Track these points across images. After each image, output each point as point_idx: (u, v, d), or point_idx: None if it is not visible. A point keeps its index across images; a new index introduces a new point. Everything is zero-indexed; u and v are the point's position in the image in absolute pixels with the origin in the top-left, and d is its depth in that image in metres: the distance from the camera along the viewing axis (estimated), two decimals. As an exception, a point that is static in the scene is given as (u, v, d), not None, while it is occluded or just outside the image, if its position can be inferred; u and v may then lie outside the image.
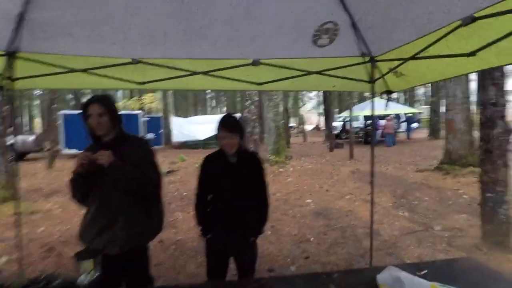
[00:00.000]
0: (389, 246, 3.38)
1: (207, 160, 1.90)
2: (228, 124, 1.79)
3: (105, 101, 1.68)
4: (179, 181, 7.16)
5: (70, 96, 27.27)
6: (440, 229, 3.88)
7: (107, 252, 1.54)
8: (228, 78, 2.51)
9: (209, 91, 34.29)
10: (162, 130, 16.78)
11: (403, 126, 18.02)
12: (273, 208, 4.88)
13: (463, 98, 7.46)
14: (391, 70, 2.47)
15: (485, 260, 2.88)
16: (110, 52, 2.24)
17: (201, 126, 16.35)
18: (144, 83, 2.53)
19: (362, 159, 10.31)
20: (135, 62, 2.32)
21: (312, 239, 3.68)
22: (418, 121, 18.90)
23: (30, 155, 13.77)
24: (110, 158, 1.51)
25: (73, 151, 12.21)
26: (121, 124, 1.75)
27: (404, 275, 1.14)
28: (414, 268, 1.34)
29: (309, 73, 2.56)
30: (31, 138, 13.91)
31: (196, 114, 28.06)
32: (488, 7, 1.46)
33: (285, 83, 2.72)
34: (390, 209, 4.86)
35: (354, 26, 2.17)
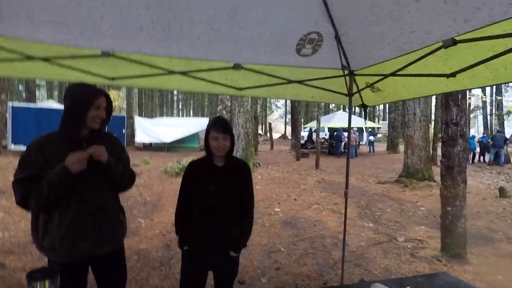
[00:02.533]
0: (357, 257, 3.44)
1: (192, 165, 1.79)
2: (222, 125, 1.70)
3: (108, 96, 1.56)
4: (142, 185, 6.75)
5: (21, 87, 25.04)
6: (403, 240, 4.04)
7: (90, 255, 1.47)
8: (207, 81, 2.40)
9: (176, 92, 33.48)
10: (125, 131, 15.96)
11: (365, 139, 18.97)
12: (242, 217, 4.83)
13: (422, 116, 8.00)
14: (368, 85, 2.53)
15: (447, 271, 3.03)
16: (76, 42, 2.02)
17: (167, 128, 15.80)
18: (114, 78, 2.33)
19: (327, 169, 10.60)
20: (106, 55, 2.11)
21: (282, 249, 3.64)
22: (375, 135, 20.07)
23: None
24: (105, 154, 1.43)
25: (20, 147, 11.12)
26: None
27: (393, 294, 1.12)
28: (396, 284, 1.32)
29: (289, 81, 2.53)
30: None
31: (161, 116, 27.15)
32: (468, 32, 1.53)
33: (265, 90, 2.68)
34: (356, 219, 4.99)
35: (337, 38, 2.18)
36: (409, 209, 5.71)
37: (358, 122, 15.01)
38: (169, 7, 1.86)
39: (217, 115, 6.37)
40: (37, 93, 24.78)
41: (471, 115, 34.17)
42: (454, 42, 1.60)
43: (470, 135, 18.26)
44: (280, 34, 2.14)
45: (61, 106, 13.32)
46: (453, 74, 1.79)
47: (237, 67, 2.31)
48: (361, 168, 11.05)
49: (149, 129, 15.83)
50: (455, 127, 3.31)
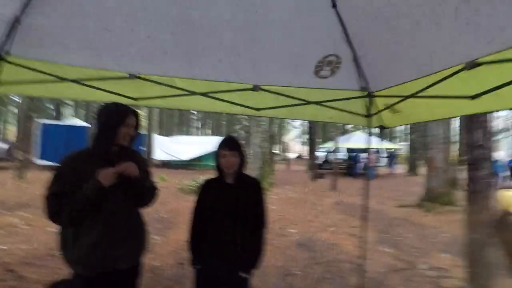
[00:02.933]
0: (376, 285, 3.28)
1: (206, 183, 1.83)
2: (229, 143, 1.76)
3: (138, 115, 1.63)
4: (159, 202, 6.72)
5: (49, 105, 26.43)
6: (426, 268, 3.83)
7: (116, 268, 1.50)
8: (227, 101, 2.47)
9: (195, 112, 34.27)
10: (144, 148, 16.37)
11: (384, 160, 18.50)
12: (258, 237, 4.75)
13: (444, 137, 7.77)
14: (388, 106, 2.51)
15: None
16: (105, 65, 2.16)
17: (185, 147, 16.09)
18: (138, 99, 2.43)
19: (345, 190, 10.35)
20: (132, 77, 2.24)
21: (297, 272, 3.53)
22: (395, 157, 19.56)
23: (0, 164, 12.95)
24: (136, 169, 1.49)
25: (47, 162, 11.61)
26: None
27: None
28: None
29: (308, 102, 2.55)
30: (5, 146, 13.15)
31: (180, 134, 27.73)
32: (492, 53, 1.51)
33: (283, 111, 2.71)
34: (374, 244, 4.79)
35: (355, 60, 2.20)
36: (431, 235, 5.44)
37: (376, 143, 14.75)
38: (192, 33, 1.97)
39: (234, 134, 6.45)
40: (63, 111, 26.09)
41: (497, 138, 32.85)
42: (477, 64, 1.58)
43: (495, 159, 17.49)
44: (298, 56, 2.19)
45: (86, 124, 13.95)
46: (476, 96, 1.75)
47: (256, 88, 2.37)
48: (380, 191, 10.72)
49: (167, 147, 16.18)
50: (480, 150, 3.19)
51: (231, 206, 1.70)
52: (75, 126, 13.37)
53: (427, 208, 7.49)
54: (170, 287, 3.01)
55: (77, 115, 27.17)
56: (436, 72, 1.81)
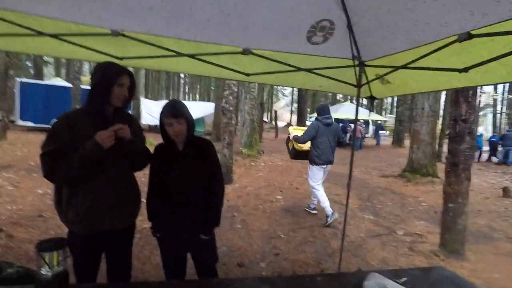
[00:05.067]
0: (355, 248, 3.48)
1: (158, 149, 1.77)
2: (173, 110, 1.64)
3: (132, 76, 1.60)
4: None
5: (28, 63, 25.09)
6: (402, 234, 4.07)
7: (110, 229, 1.54)
8: (216, 65, 2.39)
9: (183, 76, 33.33)
10: (131, 112, 16.02)
11: (371, 131, 18.82)
12: (244, 202, 4.90)
13: (430, 111, 7.89)
14: (378, 76, 2.50)
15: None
16: (86, 20, 2.01)
17: (173, 111, 15.79)
18: (123, 58, 2.32)
19: (331, 160, 10.58)
20: (114, 34, 2.10)
21: (282, 236, 3.69)
22: (383, 128, 19.90)
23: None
24: (129, 132, 1.49)
25: (28, 123, 11.26)
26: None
27: (390, 283, 1.14)
28: (392, 275, 1.35)
29: (298, 69, 2.50)
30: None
31: (168, 98, 27.12)
32: (485, 26, 1.49)
33: (273, 77, 2.66)
34: (357, 211, 5.02)
35: (349, 27, 2.13)
36: (410, 204, 5.72)
37: (364, 114, 14.87)
38: (180, -12, 1.84)
39: (223, 100, 6.35)
40: (44, 70, 24.83)
41: (481, 113, 33.62)
42: (469, 36, 1.56)
43: (478, 134, 18.06)
44: (291, 20, 2.10)
45: (68, 84, 13.39)
46: (465, 69, 1.76)
47: (246, 51, 2.29)
48: (365, 161, 11.03)
49: (155, 111, 15.85)
50: (463, 124, 3.27)
51: (185, 174, 1.67)
52: (57, 85, 12.83)
53: (409, 178, 7.79)
54: (157, 246, 3.10)
55: (59, 75, 26.01)
56: (428, 43, 1.79)
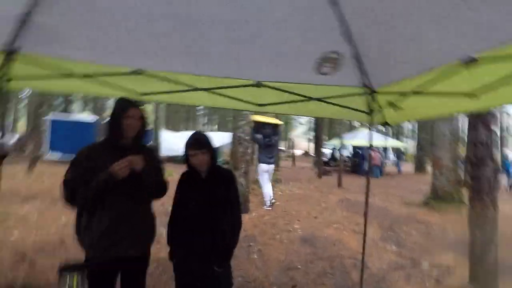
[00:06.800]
0: (377, 280, 3.31)
1: (183, 176, 1.86)
2: (196, 141, 1.77)
3: (142, 108, 1.72)
4: (166, 196, 6.92)
5: (58, 101, 26.84)
6: (428, 266, 3.84)
7: (123, 255, 1.59)
8: (230, 97, 2.51)
9: (201, 107, 34.44)
10: (151, 143, 16.55)
11: (391, 158, 18.35)
12: (261, 232, 4.82)
13: (451, 136, 7.69)
14: (390, 103, 2.52)
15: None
16: (111, 61, 2.22)
17: (191, 142, 16.17)
18: (144, 94, 2.49)
19: (350, 188, 10.33)
20: (137, 72, 2.29)
21: (299, 266, 3.58)
22: (401, 155, 19.37)
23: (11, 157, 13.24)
24: (143, 162, 1.57)
25: (57, 155, 11.87)
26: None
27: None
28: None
29: (309, 99, 2.58)
30: (14, 139, 13.44)
31: (186, 130, 27.91)
32: (487, 50, 1.52)
33: (285, 107, 2.74)
34: (378, 241, 4.81)
35: (357, 57, 2.21)
36: (436, 233, 5.43)
37: (382, 140, 14.63)
38: (193, 29, 2.00)
39: (240, 130, 6.49)
40: (72, 106, 26.49)
41: (507, 135, 32.19)
42: (473, 60, 1.59)
43: (505, 156, 17.15)
44: (299, 53, 2.21)
45: (93, 119, 14.19)
46: (474, 93, 1.76)
47: (258, 84, 2.41)
48: (386, 189, 10.66)
49: (174, 143, 16.30)
50: (483, 148, 3.18)
51: (206, 201, 1.73)
52: (82, 121, 13.62)
53: (433, 206, 7.44)
54: (173, 277, 3.08)
55: (85, 110, 27.57)
56: (434, 68, 1.83)
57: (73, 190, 1.53)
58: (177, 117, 33.05)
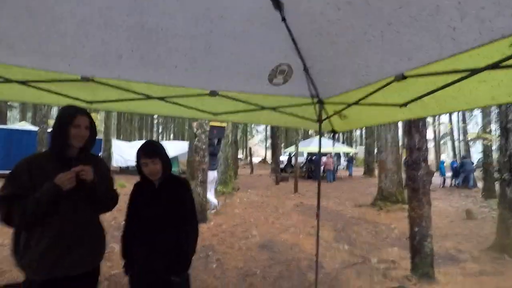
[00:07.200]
0: (331, 279, 3.49)
1: (135, 187, 1.81)
2: (148, 150, 1.72)
3: (90, 116, 1.61)
4: (117, 209, 6.42)
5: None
6: (376, 261, 4.15)
7: (71, 273, 1.49)
8: (185, 106, 2.51)
9: (156, 116, 33.33)
10: (101, 153, 15.55)
11: (343, 163, 19.45)
12: (219, 241, 4.81)
13: (393, 141, 8.43)
14: (336, 113, 2.73)
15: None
16: (56, 67, 2.10)
17: (145, 152, 15.56)
18: (93, 102, 2.39)
19: (305, 193, 10.73)
20: (84, 80, 2.20)
21: (258, 272, 3.63)
22: (352, 160, 20.65)
23: None
24: (92, 173, 1.47)
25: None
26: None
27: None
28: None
29: (263, 108, 2.69)
30: None
31: (141, 139, 26.71)
32: (414, 68, 1.75)
33: (240, 116, 2.82)
34: (332, 242, 5.07)
35: (306, 70, 2.37)
36: (383, 231, 5.87)
37: (336, 147, 15.47)
38: (148, 39, 1.99)
39: (196, 139, 6.43)
40: (8, 114, 23.89)
41: (442, 141, 35.95)
42: (403, 77, 1.82)
43: (440, 160, 19.21)
44: (252, 64, 2.31)
45: (35, 128, 12.94)
46: (405, 104, 2.00)
47: (213, 93, 2.45)
48: (339, 192, 11.27)
49: (127, 153, 15.52)
50: (418, 152, 3.57)
51: (159, 210, 1.70)
52: (24, 130, 12.38)
53: (380, 207, 8.04)
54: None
55: (25, 119, 25.05)
56: (371, 83, 2.04)
57: (9, 208, 1.38)
58: (130, 126, 31.51)
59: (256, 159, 33.10)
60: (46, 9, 1.71)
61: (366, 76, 2.00)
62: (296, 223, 6.35)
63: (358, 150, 27.51)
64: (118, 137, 23.04)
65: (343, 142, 30.31)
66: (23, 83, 2.14)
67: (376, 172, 16.66)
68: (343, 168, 20.08)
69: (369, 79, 2.01)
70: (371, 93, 2.12)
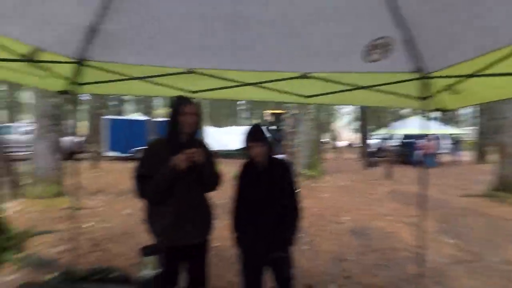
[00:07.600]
0: (437, 275, 3.15)
1: (242, 168, 1.98)
2: (254, 134, 1.87)
3: (198, 105, 1.83)
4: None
5: (114, 103, 29.15)
6: (497, 261, 3.55)
7: (187, 243, 1.74)
8: (277, 90, 2.55)
9: (243, 102, 35.01)
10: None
11: (447, 147, 16.90)
12: (309, 223, 4.84)
13: (519, 120, 6.89)
14: (448, 87, 2.36)
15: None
16: (166, 62, 2.39)
17: (234, 137, 16.61)
18: (196, 92, 2.65)
19: (400, 179, 9.82)
20: (189, 72, 2.45)
21: (351, 258, 3.54)
22: (459, 143, 17.67)
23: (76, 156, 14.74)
24: (202, 156, 1.68)
25: (115, 153, 13.03)
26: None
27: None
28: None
29: (357, 87, 2.52)
30: (78, 139, 14.91)
31: (229, 125, 28.59)
32: None
33: (332, 97, 2.71)
34: (435, 234, 4.55)
35: (408, 41, 2.11)
36: (504, 227, 4.96)
37: (437, 128, 13.58)
38: (240, 28, 2.07)
39: (283, 122, 6.52)
40: (125, 107, 28.67)
41: None
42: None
43: None
44: (347, 41, 2.18)
45: (145, 118, 15.30)
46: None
47: (304, 76, 2.42)
48: (442, 179, 9.92)
49: (218, 138, 16.87)
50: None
51: (264, 191, 1.84)
52: (136, 120, 14.73)
53: (499, 198, 6.77)
54: (231, 266, 3.25)
55: (138, 111, 29.62)
56: (499, 48, 1.68)
57: (141, 186, 1.70)
58: (219, 113, 34.01)
59: (342, 143, 31.76)
60: (160, 11, 1.95)
61: (492, 41, 1.66)
62: (391, 210, 5.90)
63: (468, 132, 23.54)
64: (210, 124, 25.16)
65: (447, 123, 26.38)
66: (142, 79, 2.50)
67: (489, 157, 14.02)
68: (449, 153, 17.47)
69: (495, 45, 1.66)
70: (497, 61, 1.76)
